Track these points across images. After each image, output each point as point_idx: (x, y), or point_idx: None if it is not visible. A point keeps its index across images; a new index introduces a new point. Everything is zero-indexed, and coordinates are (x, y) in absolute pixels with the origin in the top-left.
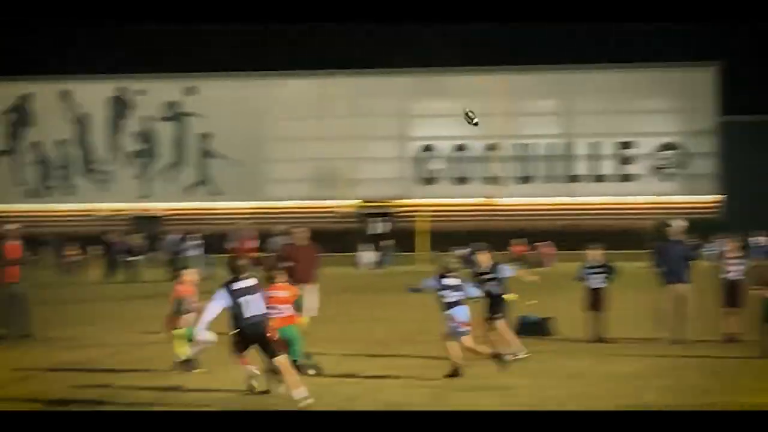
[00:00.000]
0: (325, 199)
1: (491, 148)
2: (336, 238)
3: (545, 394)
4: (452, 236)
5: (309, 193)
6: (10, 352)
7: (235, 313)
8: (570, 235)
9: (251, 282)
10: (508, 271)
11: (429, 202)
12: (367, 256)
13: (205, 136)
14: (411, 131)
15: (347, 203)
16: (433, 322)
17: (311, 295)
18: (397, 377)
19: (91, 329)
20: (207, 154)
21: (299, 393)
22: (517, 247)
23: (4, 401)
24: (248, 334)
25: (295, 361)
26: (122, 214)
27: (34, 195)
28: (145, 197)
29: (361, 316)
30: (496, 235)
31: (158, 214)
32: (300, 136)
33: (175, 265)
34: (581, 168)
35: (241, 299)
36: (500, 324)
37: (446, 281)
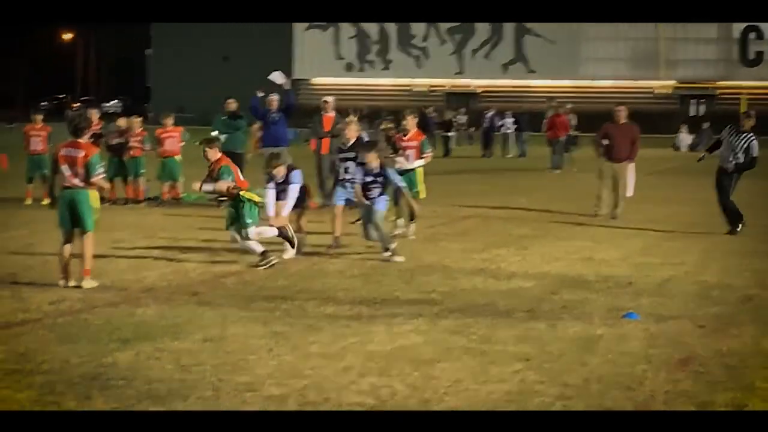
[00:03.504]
0: (643, 80)
1: None
2: (654, 119)
3: None
4: None
5: (627, 72)
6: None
7: None
8: None
9: None
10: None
11: (751, 84)
12: (686, 138)
13: None
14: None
15: (666, 84)
16: (751, 209)
17: (629, 174)
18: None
19: None
20: (523, 32)
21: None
22: None
23: None
24: None
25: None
26: (438, 89)
27: (352, 69)
28: (460, 74)
29: (676, 198)
30: None
31: (474, 91)
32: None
33: (489, 141)
34: None
35: None
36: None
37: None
